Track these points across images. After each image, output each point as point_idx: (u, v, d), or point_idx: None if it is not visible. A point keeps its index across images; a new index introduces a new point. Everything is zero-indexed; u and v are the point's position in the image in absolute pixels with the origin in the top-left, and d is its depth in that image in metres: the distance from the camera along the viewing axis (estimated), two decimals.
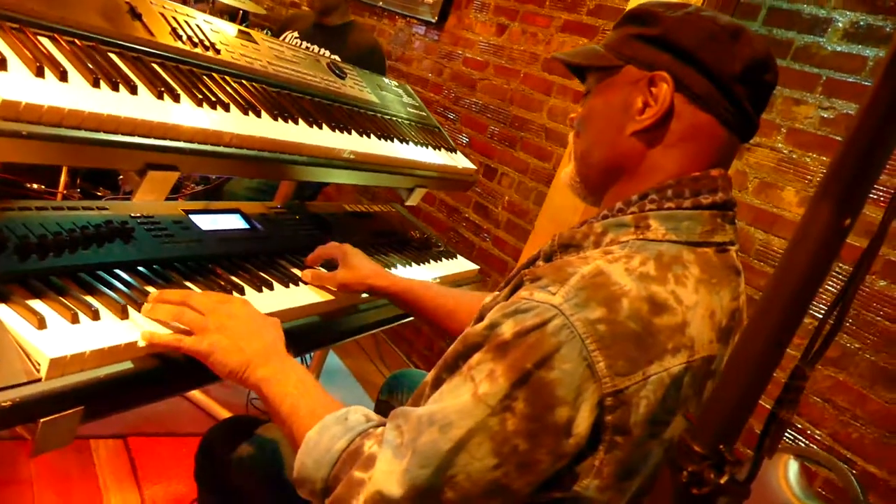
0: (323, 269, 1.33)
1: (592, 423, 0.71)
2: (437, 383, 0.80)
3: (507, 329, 0.73)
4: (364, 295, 1.36)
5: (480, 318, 0.81)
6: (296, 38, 2.90)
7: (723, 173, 0.84)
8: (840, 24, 1.82)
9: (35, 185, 2.29)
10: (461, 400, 0.72)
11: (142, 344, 0.90)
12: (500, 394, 0.70)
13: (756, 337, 0.57)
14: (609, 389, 0.70)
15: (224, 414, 2.17)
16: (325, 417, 0.81)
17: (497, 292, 0.90)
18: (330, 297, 1.28)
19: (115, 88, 0.94)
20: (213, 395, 2.25)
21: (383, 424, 0.79)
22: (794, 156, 1.88)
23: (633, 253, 0.77)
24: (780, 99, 1.92)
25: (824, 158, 1.82)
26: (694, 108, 0.82)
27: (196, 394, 2.24)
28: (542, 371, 0.69)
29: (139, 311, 0.95)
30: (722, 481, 0.58)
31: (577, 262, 0.77)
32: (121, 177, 2.52)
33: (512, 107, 2.88)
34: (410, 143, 1.66)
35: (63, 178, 2.31)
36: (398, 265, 1.60)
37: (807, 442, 1.77)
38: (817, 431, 1.75)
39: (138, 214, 1.19)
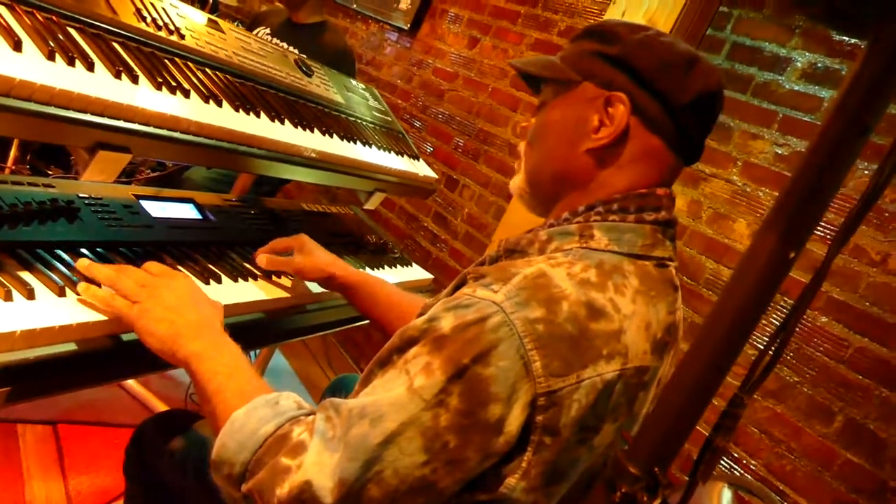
0: (273, 256, 1.30)
1: (523, 422, 0.71)
2: (367, 379, 0.79)
3: (447, 323, 0.72)
4: (315, 291, 1.34)
5: (422, 316, 0.80)
6: (267, 34, 2.86)
7: (667, 193, 0.86)
8: (799, 64, 1.88)
9: None
10: (395, 393, 0.71)
11: (79, 292, 0.90)
12: (436, 387, 0.69)
13: (696, 360, 0.58)
14: (543, 389, 0.70)
15: (161, 407, 2.12)
16: (255, 399, 0.78)
17: (440, 293, 0.90)
18: (280, 294, 1.26)
19: (71, 63, 0.91)
20: (151, 388, 2.19)
21: (314, 414, 0.77)
22: (747, 189, 1.93)
23: (575, 260, 0.78)
24: (738, 132, 1.97)
25: (776, 193, 1.86)
26: (646, 130, 0.84)
27: (134, 384, 2.18)
28: (478, 366, 0.69)
29: (77, 294, 0.92)
30: (656, 503, 0.58)
31: (520, 264, 0.77)
32: (73, 157, 2.45)
33: (478, 120, 2.89)
34: (373, 146, 1.65)
35: (13, 153, 2.24)
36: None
37: (741, 471, 1.80)
38: (752, 461, 1.79)
39: (86, 195, 1.16)
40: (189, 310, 0.91)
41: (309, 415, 0.77)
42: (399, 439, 0.69)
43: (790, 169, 1.85)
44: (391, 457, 0.68)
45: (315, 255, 1.29)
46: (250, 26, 3.00)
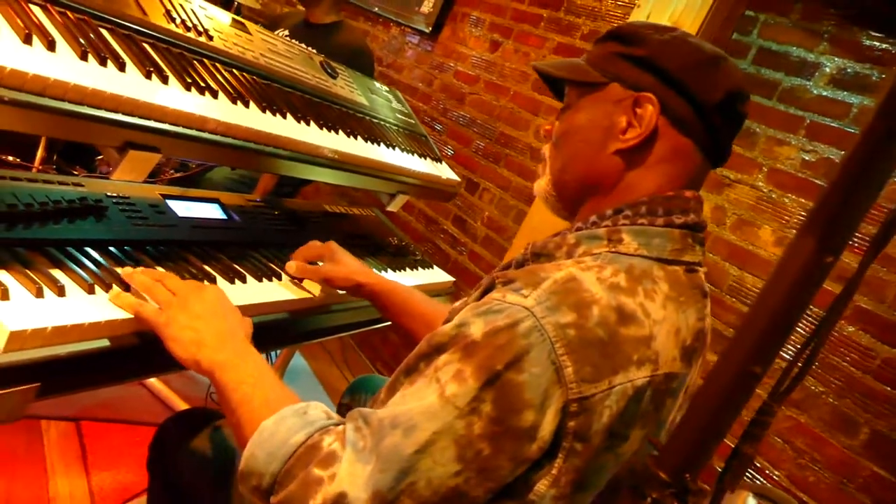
0: (302, 263, 1.30)
1: (555, 428, 0.70)
2: (393, 387, 0.78)
3: (477, 329, 0.72)
4: (340, 292, 1.34)
5: (449, 322, 0.80)
6: (285, 35, 2.88)
7: (695, 195, 0.86)
8: (827, 70, 1.86)
9: (10, 158, 2.24)
10: (426, 402, 0.70)
11: (109, 300, 0.91)
12: (469, 395, 0.68)
13: (729, 365, 0.57)
14: (574, 395, 0.70)
15: (182, 406, 2.13)
16: (283, 409, 0.77)
17: (466, 298, 0.90)
18: (304, 294, 1.26)
19: (103, 63, 0.92)
20: (172, 386, 2.21)
21: (342, 426, 0.77)
22: (773, 195, 1.91)
23: (604, 264, 0.77)
24: (764, 138, 1.95)
25: (803, 200, 1.85)
26: (675, 131, 0.83)
27: (155, 383, 2.20)
28: (511, 373, 0.68)
29: (106, 291, 0.93)
30: None
31: (550, 269, 0.77)
32: (99, 157, 2.48)
33: (499, 123, 2.89)
34: (397, 148, 1.65)
35: (40, 153, 2.27)
36: (373, 269, 1.58)
37: (763, 481, 1.78)
38: (775, 472, 1.77)
39: (114, 194, 1.17)
40: (215, 319, 0.91)
41: (338, 424, 0.77)
42: (432, 449, 0.68)
43: (817, 176, 1.83)
44: (424, 467, 0.68)
45: (344, 263, 1.29)
46: (269, 28, 3.01)
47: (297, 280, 1.29)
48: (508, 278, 0.77)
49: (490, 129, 2.93)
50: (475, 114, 3.03)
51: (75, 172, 2.41)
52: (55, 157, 2.40)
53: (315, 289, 1.30)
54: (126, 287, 0.95)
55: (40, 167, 2.25)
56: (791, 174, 1.88)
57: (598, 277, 0.75)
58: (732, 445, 0.61)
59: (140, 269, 0.98)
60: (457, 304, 0.89)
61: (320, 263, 1.29)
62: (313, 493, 0.68)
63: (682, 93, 0.82)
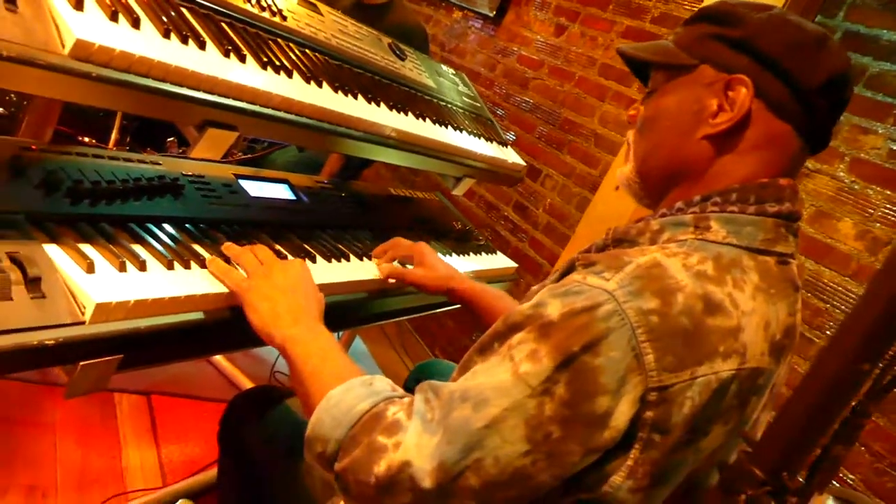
0: (396, 265, 1.32)
1: (631, 417, 0.67)
2: (466, 365, 0.77)
3: (554, 310, 0.70)
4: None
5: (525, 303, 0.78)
6: None
7: (791, 183, 0.81)
8: None
9: (86, 139, 2.32)
10: (499, 378, 0.69)
11: (207, 263, 0.97)
12: (543, 374, 0.67)
13: (835, 358, 0.54)
14: (654, 384, 0.67)
15: (247, 383, 2.17)
16: (351, 379, 0.79)
17: (545, 281, 0.88)
18: (371, 276, 1.26)
19: (185, 42, 0.93)
20: (238, 364, 2.26)
21: (407, 398, 0.77)
22: (855, 186, 1.82)
23: (691, 251, 0.74)
24: (847, 126, 1.86)
25: (888, 192, 1.75)
26: (771, 115, 0.79)
27: (221, 360, 2.25)
28: (587, 356, 0.66)
29: (185, 268, 0.94)
30: None
31: (634, 253, 0.74)
32: (169, 139, 2.54)
33: (563, 109, 2.84)
34: (464, 131, 1.64)
35: (114, 135, 2.33)
36: (437, 253, 1.57)
37: (838, 485, 1.71)
38: (850, 476, 1.70)
39: (190, 173, 1.19)
40: (293, 294, 0.94)
41: (402, 397, 0.77)
42: (502, 426, 0.67)
43: None
44: (492, 443, 0.66)
45: (435, 268, 1.30)
46: None
47: (362, 258, 1.29)
48: (590, 261, 0.75)
49: (554, 114, 2.88)
50: (538, 99, 2.99)
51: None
52: (128, 139, 2.47)
53: (376, 266, 1.29)
54: (202, 263, 0.97)
55: (114, 149, 2.32)
56: (876, 164, 1.79)
57: (683, 264, 0.72)
58: None
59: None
60: (534, 287, 0.87)
61: (409, 266, 1.29)
62: (377, 459, 0.69)
63: (781, 75, 0.77)
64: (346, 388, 0.77)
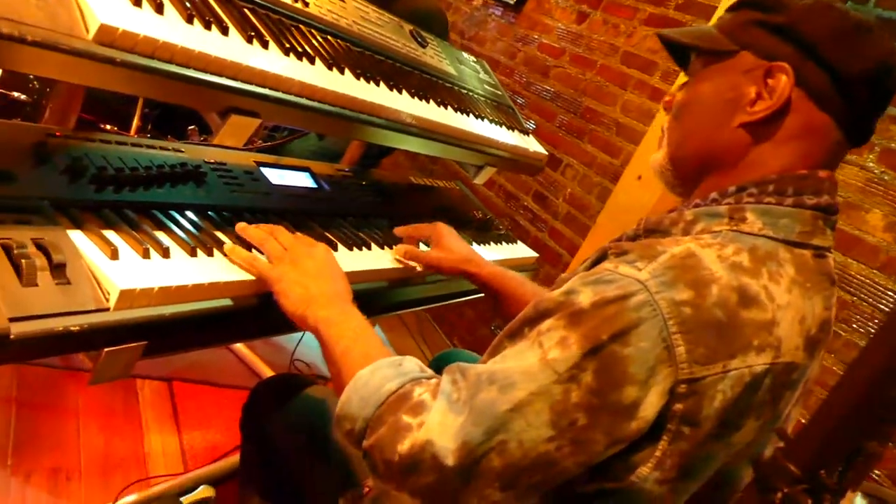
0: (412, 247, 1.30)
1: (660, 409, 0.67)
2: (495, 350, 0.77)
3: (585, 298, 0.69)
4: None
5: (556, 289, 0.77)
6: None
7: (830, 175, 0.79)
8: None
9: (108, 126, 2.33)
10: (527, 363, 0.69)
11: (226, 251, 0.96)
12: (570, 361, 0.66)
13: (877, 354, 0.52)
14: (685, 376, 0.66)
15: (267, 371, 2.19)
16: (379, 360, 0.80)
17: (576, 268, 0.87)
18: (393, 265, 1.26)
19: (208, 27, 0.92)
20: (257, 352, 2.27)
21: (435, 379, 0.77)
22: (885, 177, 1.78)
23: (726, 242, 0.73)
24: None
25: None
26: (811, 105, 0.77)
27: (241, 348, 2.26)
28: (616, 345, 0.66)
29: (207, 255, 0.94)
30: None
31: (667, 243, 0.73)
32: (190, 127, 2.54)
33: (584, 98, 2.81)
34: (485, 119, 1.62)
35: (135, 122, 2.34)
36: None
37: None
38: (876, 471, 1.67)
39: (212, 160, 1.19)
40: (324, 279, 0.95)
41: (430, 378, 0.78)
42: (527, 410, 0.67)
43: None
44: (517, 427, 0.67)
45: (454, 249, 1.28)
46: None
47: (384, 247, 1.28)
48: (622, 249, 0.74)
49: (574, 103, 2.85)
50: (559, 87, 2.96)
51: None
52: (149, 127, 2.48)
53: (398, 255, 1.28)
54: (225, 246, 0.97)
55: (135, 136, 2.33)
56: None
57: (718, 255, 0.71)
58: None
59: (253, 225, 1.03)
60: (564, 274, 0.86)
61: (423, 247, 1.28)
62: (402, 438, 0.70)
63: (824, 64, 0.75)
64: (374, 369, 0.78)
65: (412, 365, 0.80)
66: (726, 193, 0.79)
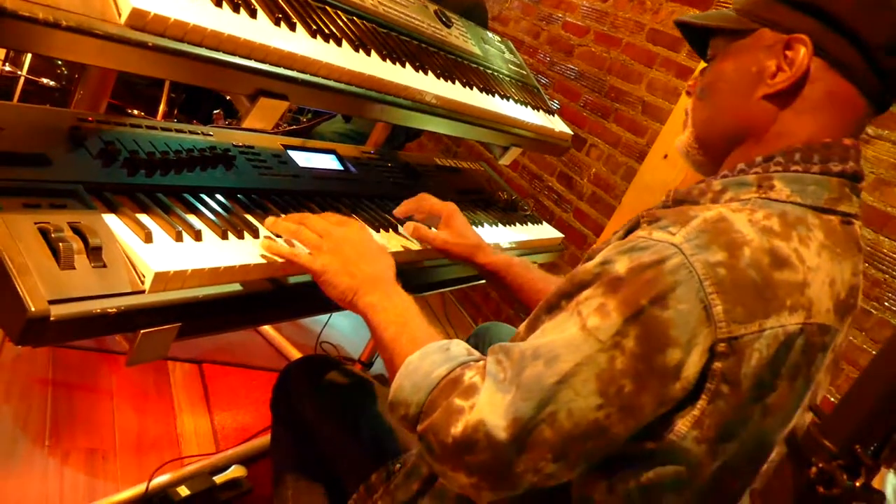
0: (423, 225, 1.28)
1: (701, 368, 0.68)
2: (533, 325, 0.78)
3: (622, 266, 0.70)
4: None
5: (589, 261, 0.78)
6: None
7: (855, 143, 0.80)
8: None
9: (135, 111, 2.35)
10: (568, 334, 0.70)
11: (262, 251, 0.95)
12: (612, 329, 0.68)
13: None
14: (724, 335, 0.67)
15: (294, 353, 2.21)
16: (428, 345, 0.82)
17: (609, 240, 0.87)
18: (417, 247, 1.26)
19: (236, 10, 0.92)
20: (284, 334, 2.30)
21: (482, 361, 0.79)
22: None
23: (756, 208, 0.74)
24: None
25: None
26: (834, 74, 0.77)
27: (269, 330, 2.29)
28: (656, 309, 0.67)
29: (238, 238, 0.95)
30: (858, 484, 0.53)
31: (698, 209, 0.74)
32: (215, 111, 2.56)
33: (609, 76, 2.78)
34: (510, 99, 1.61)
35: (162, 108, 2.37)
36: (484, 223, 1.56)
37: None
38: None
39: (240, 144, 1.19)
40: (367, 263, 0.95)
41: (478, 360, 0.79)
42: (574, 380, 0.68)
43: None
44: (566, 398, 0.68)
45: (463, 234, 1.26)
46: None
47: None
48: (655, 217, 0.75)
49: (599, 82, 2.82)
50: (584, 67, 2.93)
51: None
52: (175, 111, 2.51)
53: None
54: (255, 233, 0.98)
55: (162, 121, 2.35)
56: None
57: (749, 219, 0.72)
58: None
59: (281, 217, 1.03)
60: (596, 245, 0.87)
61: (431, 228, 1.27)
62: (455, 421, 0.71)
63: (847, 34, 0.76)
64: (422, 355, 0.80)
65: (460, 349, 0.82)
66: (753, 164, 0.80)
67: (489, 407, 0.70)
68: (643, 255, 0.70)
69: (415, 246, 1.26)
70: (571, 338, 0.69)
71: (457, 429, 0.71)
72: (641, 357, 0.67)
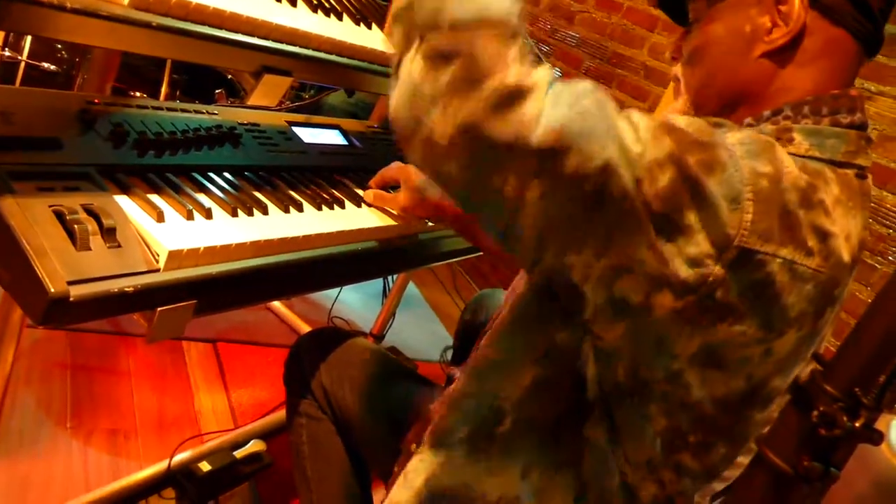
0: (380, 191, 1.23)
1: (703, 258, 0.64)
2: None
3: (681, 121, 0.68)
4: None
5: None
6: None
7: (860, 94, 0.79)
8: None
9: (137, 93, 2.35)
10: (620, 122, 0.63)
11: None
12: (657, 153, 0.62)
13: None
14: (740, 243, 0.64)
15: (305, 328, 2.24)
16: None
17: None
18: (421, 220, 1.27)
19: None
20: (296, 311, 2.32)
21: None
22: None
23: None
24: None
25: None
26: (826, 22, 0.76)
27: (280, 307, 2.31)
28: (701, 170, 0.63)
29: (248, 215, 0.97)
30: (857, 424, 0.55)
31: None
32: (217, 91, 2.56)
33: (611, 42, 2.76)
34: None
35: (164, 89, 2.37)
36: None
37: None
38: None
39: (245, 122, 1.20)
40: None
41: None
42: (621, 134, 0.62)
43: None
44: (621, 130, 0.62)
45: (422, 191, 1.16)
46: None
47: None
48: (713, 120, 0.75)
49: (601, 48, 2.81)
50: (585, 33, 2.91)
51: None
52: (178, 92, 2.51)
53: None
54: (264, 210, 0.99)
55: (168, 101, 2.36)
56: None
57: (789, 153, 0.71)
58: None
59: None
60: None
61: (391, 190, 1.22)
62: (503, 69, 0.59)
63: None
64: None
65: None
66: (761, 118, 0.79)
67: (552, 97, 0.60)
68: (703, 134, 0.67)
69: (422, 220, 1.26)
70: (622, 126, 0.62)
71: (508, 77, 0.59)
72: (666, 199, 0.62)
